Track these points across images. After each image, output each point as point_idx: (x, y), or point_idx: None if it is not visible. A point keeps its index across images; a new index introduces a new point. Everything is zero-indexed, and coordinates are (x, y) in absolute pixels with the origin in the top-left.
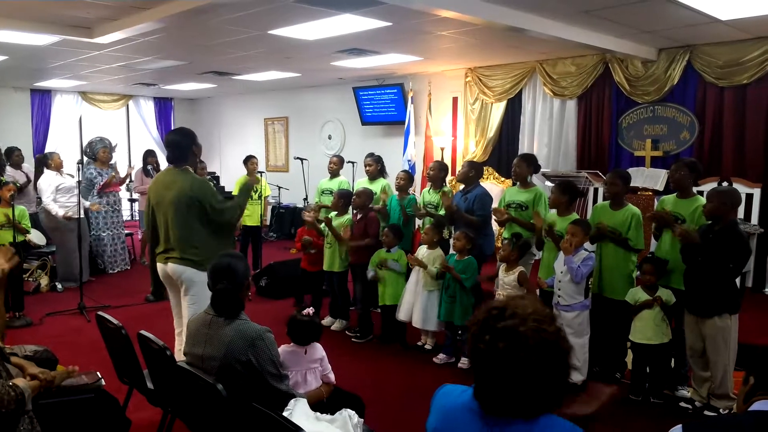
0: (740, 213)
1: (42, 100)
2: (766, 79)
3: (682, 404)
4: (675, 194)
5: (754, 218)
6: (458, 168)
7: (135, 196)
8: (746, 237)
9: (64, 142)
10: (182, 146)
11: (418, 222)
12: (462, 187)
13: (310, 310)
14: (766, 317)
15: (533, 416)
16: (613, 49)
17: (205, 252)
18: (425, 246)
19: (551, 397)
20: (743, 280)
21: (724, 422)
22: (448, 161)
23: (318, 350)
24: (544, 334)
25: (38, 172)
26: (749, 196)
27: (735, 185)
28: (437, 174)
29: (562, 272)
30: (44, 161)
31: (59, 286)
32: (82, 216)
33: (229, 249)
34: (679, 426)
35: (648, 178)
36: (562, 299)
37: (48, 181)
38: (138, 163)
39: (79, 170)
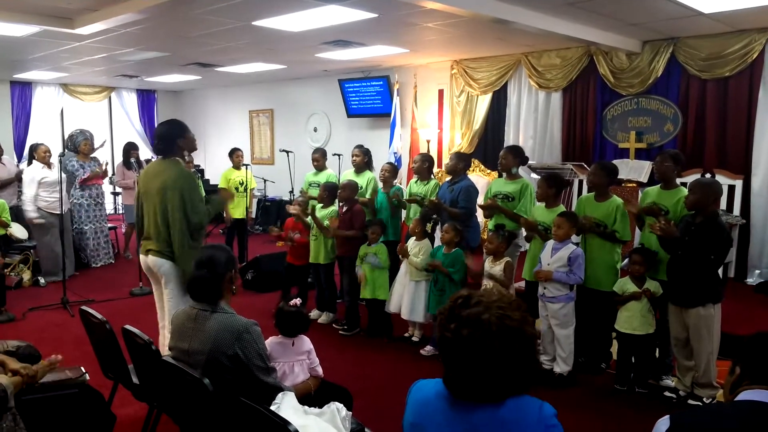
0: (722, 204)
1: (22, 92)
2: (747, 72)
3: (667, 393)
4: (658, 185)
5: (736, 209)
6: (444, 160)
7: (118, 189)
8: (727, 228)
9: (45, 135)
10: (167, 138)
11: (404, 213)
12: (449, 178)
13: (297, 301)
14: (748, 307)
15: (500, 400)
16: (598, 42)
17: (182, 246)
18: (413, 238)
19: (517, 382)
20: (725, 271)
21: (712, 412)
22: (434, 153)
23: (306, 343)
24: (508, 321)
25: (30, 163)
26: (731, 188)
27: (717, 177)
28: (421, 165)
29: (548, 264)
30: (31, 152)
31: (42, 280)
32: (65, 210)
33: (199, 248)
34: (667, 417)
35: (632, 169)
36: (548, 291)
37: (32, 174)
38: (117, 157)
39: (60, 163)
